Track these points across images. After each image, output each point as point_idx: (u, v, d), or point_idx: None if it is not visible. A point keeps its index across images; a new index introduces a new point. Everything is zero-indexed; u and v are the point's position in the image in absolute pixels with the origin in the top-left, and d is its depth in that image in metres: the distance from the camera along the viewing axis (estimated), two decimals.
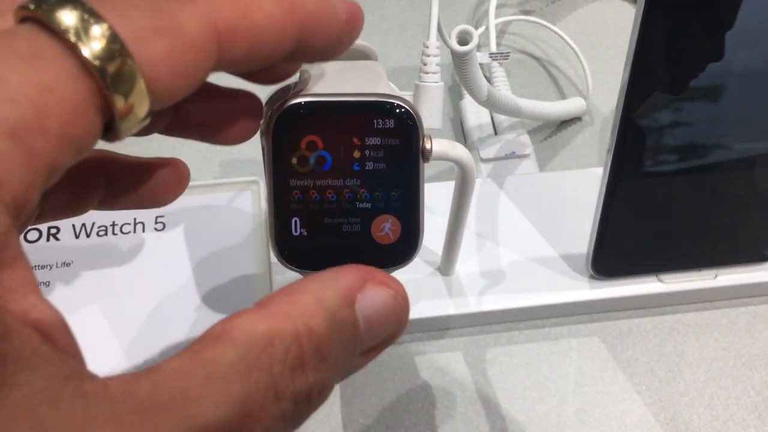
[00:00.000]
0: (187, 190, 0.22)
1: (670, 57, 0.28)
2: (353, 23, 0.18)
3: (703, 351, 0.34)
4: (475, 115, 0.43)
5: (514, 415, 0.32)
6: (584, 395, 0.33)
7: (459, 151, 0.26)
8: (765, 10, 0.27)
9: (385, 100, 0.22)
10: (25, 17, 0.14)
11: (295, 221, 0.23)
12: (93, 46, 0.13)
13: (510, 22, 0.49)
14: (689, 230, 0.33)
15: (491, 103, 0.36)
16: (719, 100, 0.29)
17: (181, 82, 0.15)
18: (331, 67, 0.23)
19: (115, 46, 0.13)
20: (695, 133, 0.30)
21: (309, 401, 0.13)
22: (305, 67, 0.23)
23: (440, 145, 0.25)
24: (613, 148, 0.30)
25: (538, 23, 0.47)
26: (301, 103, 0.21)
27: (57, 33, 0.13)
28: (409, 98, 0.22)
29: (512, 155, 0.41)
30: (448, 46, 0.31)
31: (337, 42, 0.18)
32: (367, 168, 0.22)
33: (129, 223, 0.36)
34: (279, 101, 0.22)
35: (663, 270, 0.35)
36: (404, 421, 0.32)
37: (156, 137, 0.21)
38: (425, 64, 0.26)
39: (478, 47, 0.33)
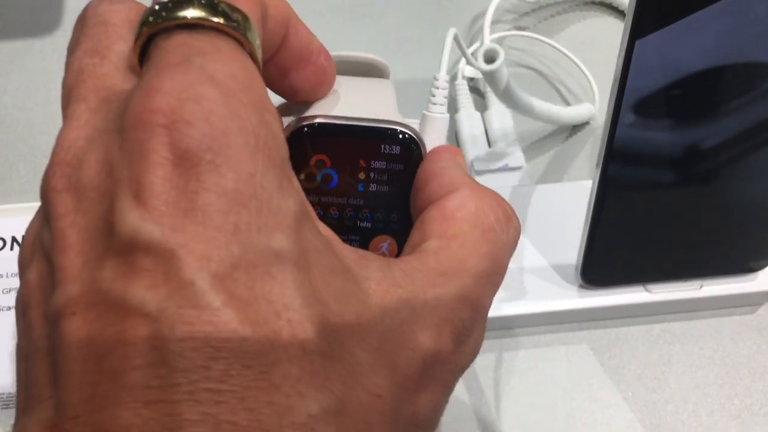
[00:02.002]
0: None
1: (657, 72, 0.29)
2: (325, 55, 0.21)
3: (688, 359, 0.35)
4: (469, 127, 0.44)
5: (504, 420, 0.33)
6: (573, 401, 0.34)
7: None
8: (750, 24, 0.28)
9: (393, 127, 0.22)
10: (152, 33, 0.15)
11: None
12: (237, 27, 0.15)
13: (505, 37, 0.50)
14: (676, 242, 0.34)
15: (507, 96, 0.37)
16: (707, 113, 0.30)
17: (275, 37, 0.18)
18: (343, 86, 0.24)
19: (240, 16, 0.16)
20: (682, 147, 0.31)
21: (515, 245, 0.18)
22: None
23: None
24: (601, 161, 0.31)
25: (533, 38, 0.48)
26: (314, 123, 0.22)
27: (207, 26, 0.15)
28: (415, 126, 0.23)
29: (505, 167, 0.41)
30: (476, 67, 0.34)
31: (307, 61, 0.20)
32: (370, 189, 0.23)
33: None
34: (291, 118, 0.22)
35: (650, 280, 0.36)
36: None
37: None
38: (434, 95, 0.27)
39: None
